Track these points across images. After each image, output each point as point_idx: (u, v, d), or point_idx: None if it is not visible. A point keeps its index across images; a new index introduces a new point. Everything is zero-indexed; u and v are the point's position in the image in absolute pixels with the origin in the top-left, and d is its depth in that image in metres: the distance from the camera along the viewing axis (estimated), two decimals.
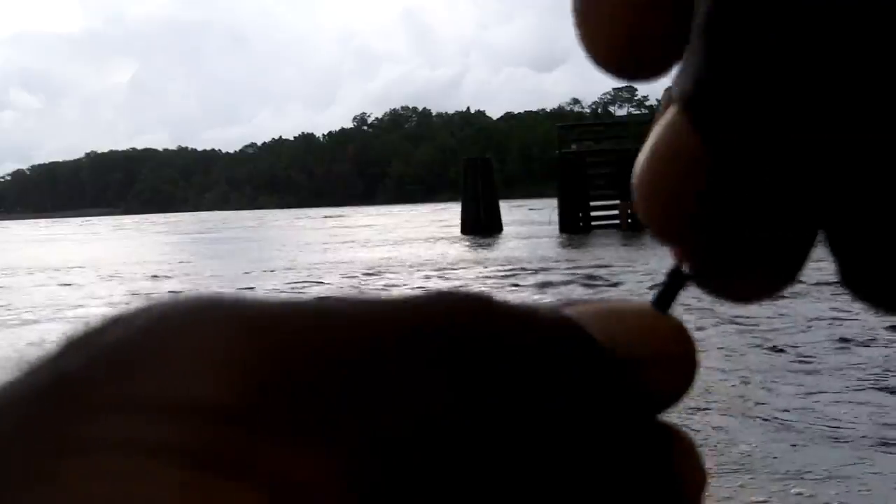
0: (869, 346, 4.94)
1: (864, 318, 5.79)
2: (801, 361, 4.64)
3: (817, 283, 7.74)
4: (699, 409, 3.73)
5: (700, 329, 5.76)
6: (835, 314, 6.08)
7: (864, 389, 3.96)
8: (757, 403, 3.80)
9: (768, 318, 6.08)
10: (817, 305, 6.54)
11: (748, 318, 6.11)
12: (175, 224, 48.23)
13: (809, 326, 5.70)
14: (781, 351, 4.94)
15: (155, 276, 12.13)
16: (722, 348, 5.08)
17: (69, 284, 11.47)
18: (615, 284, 8.42)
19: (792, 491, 2.71)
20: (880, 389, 3.95)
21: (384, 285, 9.48)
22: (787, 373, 4.38)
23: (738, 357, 4.83)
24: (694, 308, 6.75)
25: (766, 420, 3.55)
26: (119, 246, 24.33)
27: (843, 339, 5.16)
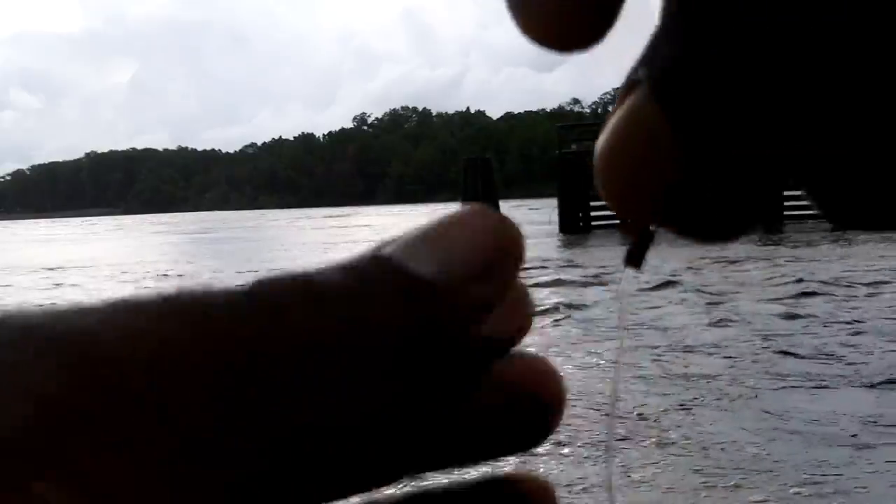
0: (867, 347, 4.93)
1: (865, 321, 5.78)
2: (798, 358, 4.63)
3: (828, 282, 7.73)
4: (693, 408, 3.72)
5: (700, 326, 5.75)
6: (838, 315, 6.07)
7: (860, 389, 3.96)
8: (751, 401, 3.80)
9: (771, 315, 6.07)
10: (824, 306, 6.54)
11: (748, 314, 6.10)
12: (175, 224, 48.21)
13: (807, 325, 5.69)
14: (780, 350, 4.93)
15: (152, 276, 12.13)
16: (718, 345, 5.07)
17: (66, 285, 11.47)
18: (613, 283, 8.41)
19: (790, 491, 2.70)
20: (877, 389, 3.94)
21: None
22: (784, 372, 4.37)
23: (734, 356, 4.82)
24: (695, 304, 6.75)
25: (762, 419, 3.54)
26: (118, 246, 24.32)
27: (844, 340, 5.16)
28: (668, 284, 8.18)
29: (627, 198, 0.18)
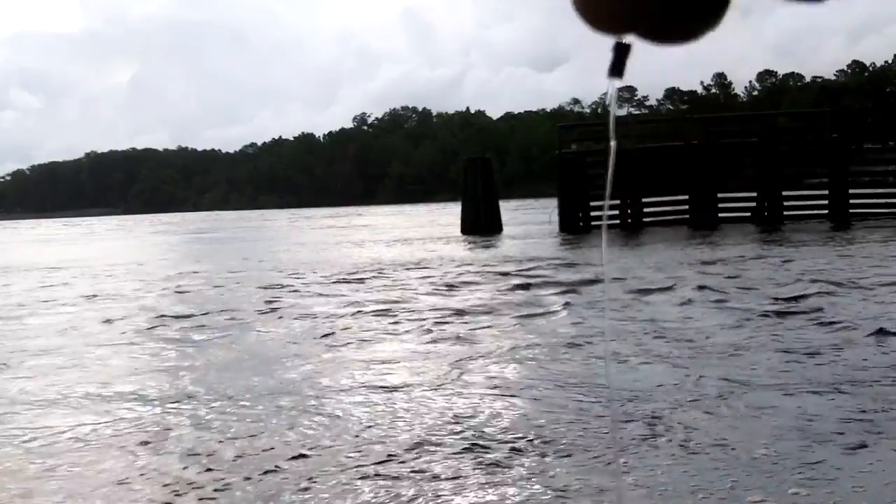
0: (862, 347, 4.92)
1: (860, 321, 5.76)
2: (793, 358, 4.61)
3: (825, 283, 7.70)
4: (687, 408, 3.70)
5: (694, 326, 5.74)
6: (833, 315, 6.05)
7: (854, 389, 3.94)
8: (744, 400, 3.77)
9: (765, 315, 6.05)
10: (820, 306, 6.52)
11: (742, 314, 6.08)
12: (174, 224, 48.20)
13: (802, 325, 5.67)
14: (774, 350, 4.91)
15: (155, 278, 12.11)
16: (713, 344, 5.05)
17: (57, 285, 11.46)
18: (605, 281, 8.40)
19: (789, 491, 2.68)
20: (870, 389, 3.92)
21: (389, 283, 9.46)
22: (779, 371, 4.35)
23: (729, 355, 4.80)
24: (691, 304, 6.73)
25: (755, 419, 3.52)
26: (119, 247, 24.29)
27: (838, 340, 5.14)
28: (668, 285, 8.16)
29: (601, 13, 0.20)
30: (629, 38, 0.25)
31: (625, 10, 0.22)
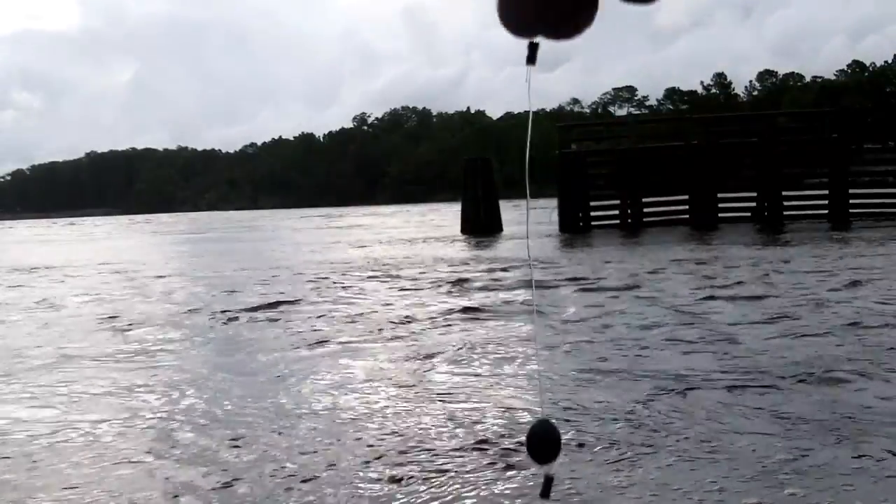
0: (850, 346, 4.93)
1: (852, 321, 5.78)
2: (784, 357, 4.62)
3: (820, 283, 7.72)
4: (681, 408, 3.71)
5: (686, 325, 5.75)
6: (827, 313, 6.07)
7: (841, 387, 3.95)
8: (745, 400, 3.78)
9: (759, 313, 6.07)
10: (811, 306, 6.53)
11: (736, 312, 6.10)
12: (173, 224, 48.19)
13: (791, 326, 5.69)
14: (764, 350, 4.92)
15: (142, 276, 12.13)
16: (710, 343, 5.07)
17: (55, 284, 11.47)
18: (599, 279, 8.42)
19: (785, 492, 2.69)
20: (857, 387, 3.94)
21: (387, 283, 9.46)
22: (770, 371, 4.36)
23: (720, 354, 4.81)
24: (700, 300, 6.74)
25: (747, 418, 3.52)
26: (115, 248, 24.31)
27: (827, 338, 5.15)
28: (664, 283, 8.17)
29: (516, 20, 0.28)
30: (537, 39, 0.35)
31: (528, 23, 0.32)
